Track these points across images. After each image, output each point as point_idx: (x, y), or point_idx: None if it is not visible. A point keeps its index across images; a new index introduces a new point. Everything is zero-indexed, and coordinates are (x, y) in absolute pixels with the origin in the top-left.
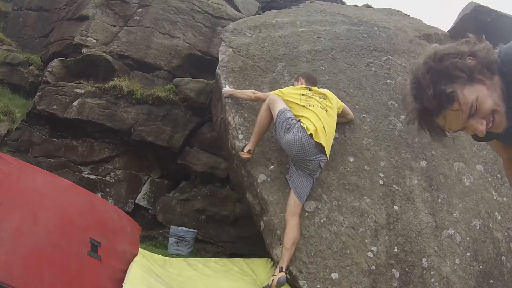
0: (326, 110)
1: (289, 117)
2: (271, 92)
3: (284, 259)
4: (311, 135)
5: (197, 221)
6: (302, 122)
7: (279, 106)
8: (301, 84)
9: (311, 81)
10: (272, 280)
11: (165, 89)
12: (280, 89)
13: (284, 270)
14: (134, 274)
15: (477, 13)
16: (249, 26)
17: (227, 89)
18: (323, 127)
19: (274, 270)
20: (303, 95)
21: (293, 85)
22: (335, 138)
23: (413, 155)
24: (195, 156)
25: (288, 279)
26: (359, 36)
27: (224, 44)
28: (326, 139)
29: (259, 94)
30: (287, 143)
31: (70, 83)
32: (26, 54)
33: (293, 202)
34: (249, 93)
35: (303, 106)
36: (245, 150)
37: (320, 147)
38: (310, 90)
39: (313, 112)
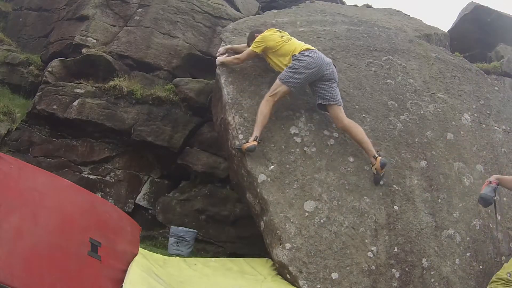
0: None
1: (289, 66)
2: (252, 47)
3: (371, 149)
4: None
5: (197, 221)
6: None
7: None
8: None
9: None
10: (375, 164)
11: (165, 89)
12: (259, 41)
13: (377, 156)
14: (134, 274)
15: (477, 13)
16: (249, 26)
17: (220, 58)
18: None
19: (373, 160)
20: (282, 36)
21: (252, 45)
22: (335, 138)
23: (413, 155)
24: (195, 156)
25: (288, 279)
26: (359, 36)
27: (224, 44)
28: None
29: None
30: (305, 67)
31: (70, 83)
32: (26, 54)
33: (341, 110)
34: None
35: (287, 42)
36: (251, 138)
37: None
38: (280, 31)
39: (294, 41)
